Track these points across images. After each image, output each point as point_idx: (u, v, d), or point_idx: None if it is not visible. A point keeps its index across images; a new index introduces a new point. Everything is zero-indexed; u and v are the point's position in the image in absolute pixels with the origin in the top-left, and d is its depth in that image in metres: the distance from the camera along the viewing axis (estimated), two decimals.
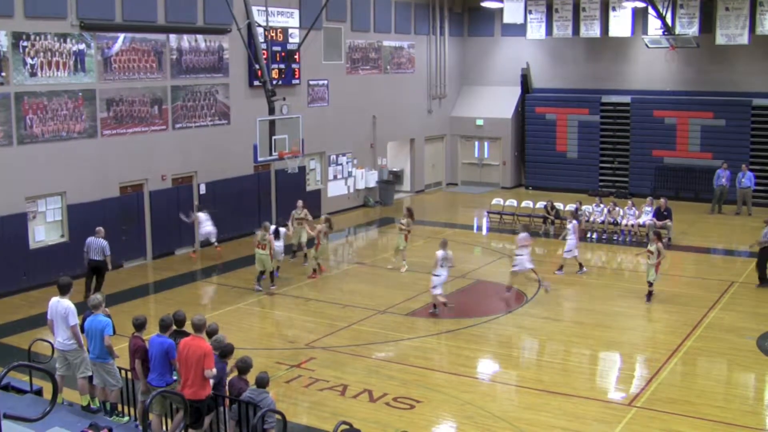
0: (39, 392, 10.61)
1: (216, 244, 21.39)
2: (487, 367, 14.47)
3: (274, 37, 23.45)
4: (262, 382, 9.56)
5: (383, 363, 14.16)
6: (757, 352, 14.63)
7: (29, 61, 17.88)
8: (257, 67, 20.43)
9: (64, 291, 10.37)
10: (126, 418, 10.44)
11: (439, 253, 16.60)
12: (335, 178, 27.53)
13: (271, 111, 19.31)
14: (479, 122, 32.74)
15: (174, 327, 10.25)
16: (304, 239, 20.38)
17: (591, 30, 29.42)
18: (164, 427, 10.18)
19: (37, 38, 18.01)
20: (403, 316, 16.67)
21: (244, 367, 9.86)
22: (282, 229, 19.38)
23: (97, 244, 17.30)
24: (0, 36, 17.36)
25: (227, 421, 9.83)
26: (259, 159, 18.91)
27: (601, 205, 24.32)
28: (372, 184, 28.93)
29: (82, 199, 19.21)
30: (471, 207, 28.91)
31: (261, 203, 24.16)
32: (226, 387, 9.99)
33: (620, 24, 29.09)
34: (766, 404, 13.18)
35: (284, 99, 21.90)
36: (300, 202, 21.11)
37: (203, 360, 9.41)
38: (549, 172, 31.64)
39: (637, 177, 30.19)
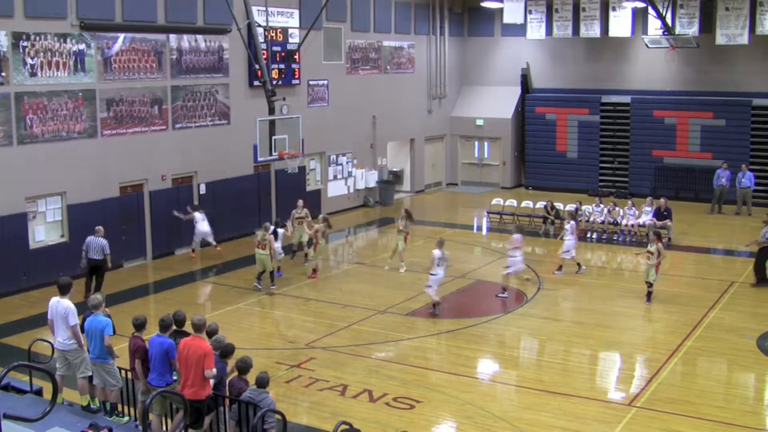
0: (39, 392, 10.61)
1: (215, 244, 21.40)
2: (487, 367, 14.47)
3: (274, 37, 23.45)
4: (262, 382, 9.56)
5: (383, 363, 14.16)
6: (757, 352, 14.63)
7: (29, 61, 17.89)
8: (257, 67, 20.44)
9: (64, 291, 10.37)
10: (126, 418, 10.44)
11: (436, 252, 16.61)
12: (335, 178, 27.53)
13: (271, 111, 19.32)
14: (479, 122, 32.75)
15: (174, 327, 10.26)
16: (305, 239, 20.37)
17: (591, 30, 29.42)
18: (164, 427, 10.18)
19: (37, 38, 18.01)
20: (403, 316, 16.67)
21: (244, 367, 9.86)
22: (280, 230, 19.38)
23: (97, 244, 17.32)
24: (0, 36, 17.36)
25: (227, 421, 9.83)
26: (259, 159, 18.91)
27: (601, 205, 24.32)
28: (372, 184, 28.93)
29: (82, 199, 19.21)
30: (471, 207, 28.91)
31: (261, 203, 24.16)
32: (227, 387, 9.99)
33: (620, 24, 29.09)
34: (766, 404, 13.18)
35: (284, 99, 21.91)
36: (300, 202, 21.12)
37: (203, 360, 9.41)
38: (549, 172, 31.64)
39: (637, 177, 30.19)
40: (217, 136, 22.55)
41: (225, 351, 10.01)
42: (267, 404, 9.31)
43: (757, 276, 18.74)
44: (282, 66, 23.60)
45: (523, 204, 26.22)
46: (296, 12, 24.53)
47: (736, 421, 11.80)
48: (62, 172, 18.76)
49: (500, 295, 17.89)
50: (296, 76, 24.89)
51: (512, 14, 29.13)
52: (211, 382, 9.64)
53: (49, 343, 11.21)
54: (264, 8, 21.02)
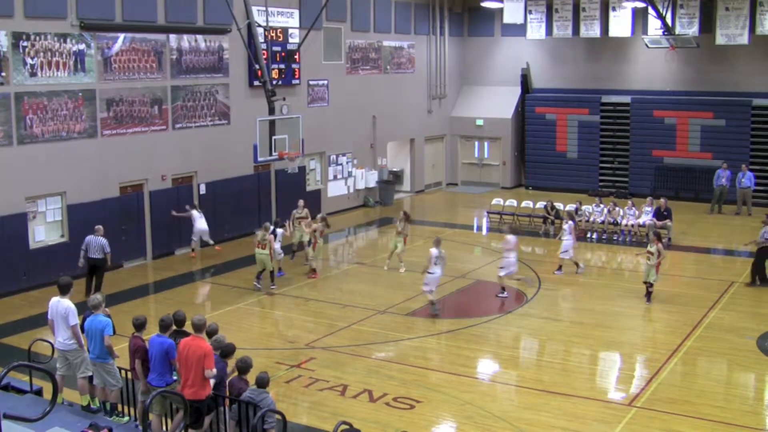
0: (39, 392, 10.61)
1: (212, 242, 21.43)
2: (487, 367, 14.47)
3: (274, 37, 23.44)
4: (262, 382, 9.56)
5: (383, 363, 14.16)
6: (757, 352, 14.63)
7: (29, 61, 17.89)
8: (257, 67, 20.44)
9: (64, 291, 10.37)
10: (126, 418, 10.44)
11: (433, 251, 16.61)
12: (335, 178, 27.54)
13: (271, 111, 19.31)
14: (479, 122, 32.75)
15: (174, 327, 10.26)
16: (305, 239, 20.35)
17: (591, 30, 29.42)
18: (164, 427, 10.18)
19: (37, 38, 18.01)
20: (403, 316, 16.67)
21: (244, 367, 9.86)
22: (279, 230, 19.38)
23: (97, 243, 17.34)
24: (0, 36, 17.36)
25: (227, 421, 9.83)
26: (259, 159, 18.90)
27: (601, 205, 24.32)
28: (372, 184, 28.93)
29: (82, 199, 19.21)
30: (471, 207, 28.91)
31: (261, 203, 24.16)
32: (227, 387, 10.00)
33: (620, 24, 29.09)
34: (766, 404, 13.18)
35: (284, 99, 21.90)
36: (301, 202, 21.11)
37: (203, 360, 9.41)
38: (549, 172, 31.65)
39: (637, 177, 30.19)
40: (217, 136, 22.55)
41: (225, 351, 10.01)
42: (267, 404, 9.31)
43: (753, 276, 18.75)
44: (282, 66, 23.60)
45: (523, 204, 26.22)
46: (296, 12, 24.53)
47: (736, 421, 11.80)
48: (62, 172, 18.76)
49: (500, 295, 17.89)
50: (296, 76, 24.89)
51: (512, 14, 29.13)
52: (212, 382, 9.64)
53: (49, 343, 11.22)
54: (264, 8, 21.02)
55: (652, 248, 17.46)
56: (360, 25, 27.90)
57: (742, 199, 26.77)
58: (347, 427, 9.24)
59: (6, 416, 7.10)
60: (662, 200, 23.49)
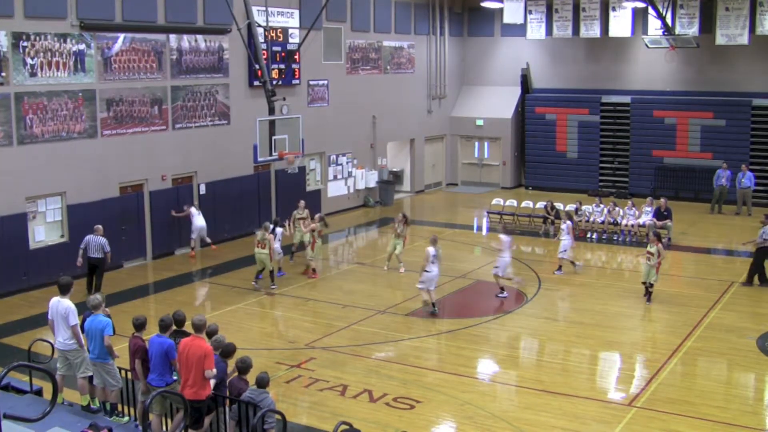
0: (39, 392, 10.61)
1: (210, 241, 21.45)
2: (486, 367, 14.46)
3: (274, 37, 23.45)
4: (262, 383, 9.56)
5: (383, 363, 14.16)
6: (757, 352, 14.63)
7: (29, 61, 17.89)
8: (257, 67, 20.43)
9: (64, 291, 10.38)
10: (126, 419, 10.44)
11: (430, 249, 16.61)
12: (335, 178, 27.54)
13: (271, 111, 19.31)
14: (479, 122, 32.75)
15: (174, 327, 10.26)
16: (306, 239, 20.34)
17: (591, 30, 29.43)
18: (164, 428, 10.18)
19: (37, 38, 18.01)
20: (403, 316, 16.67)
21: (244, 367, 9.86)
22: (279, 229, 19.40)
23: (96, 242, 17.37)
24: (0, 36, 17.36)
25: (227, 421, 9.84)
26: (259, 159, 18.90)
27: (601, 206, 24.32)
28: (372, 184, 28.93)
29: (82, 199, 19.21)
30: (471, 207, 28.92)
31: (261, 203, 24.16)
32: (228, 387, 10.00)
33: (620, 24, 29.10)
34: (766, 404, 13.18)
35: (284, 99, 21.92)
36: (302, 203, 21.07)
37: (203, 360, 9.41)
38: (549, 172, 31.66)
39: (637, 177, 30.19)
40: (217, 136, 22.56)
41: (226, 351, 10.01)
42: (267, 404, 9.31)
43: (750, 276, 18.75)
44: (282, 66, 23.60)
45: (523, 204, 26.22)
46: (296, 12, 24.54)
47: (736, 421, 11.80)
48: (62, 172, 18.76)
49: (500, 295, 17.89)
50: (296, 76, 24.90)
51: (512, 14, 29.14)
52: (212, 382, 9.64)
53: (49, 343, 11.22)
54: (264, 8, 21.02)
55: (652, 249, 17.46)
56: (360, 25, 27.90)
57: (742, 199, 26.77)
58: (347, 427, 9.24)
59: (6, 416, 7.10)
60: (662, 200, 23.49)
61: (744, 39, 26.94)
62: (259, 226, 18.88)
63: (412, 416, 11.95)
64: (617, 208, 23.93)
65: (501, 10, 29.78)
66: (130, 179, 20.57)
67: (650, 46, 28.18)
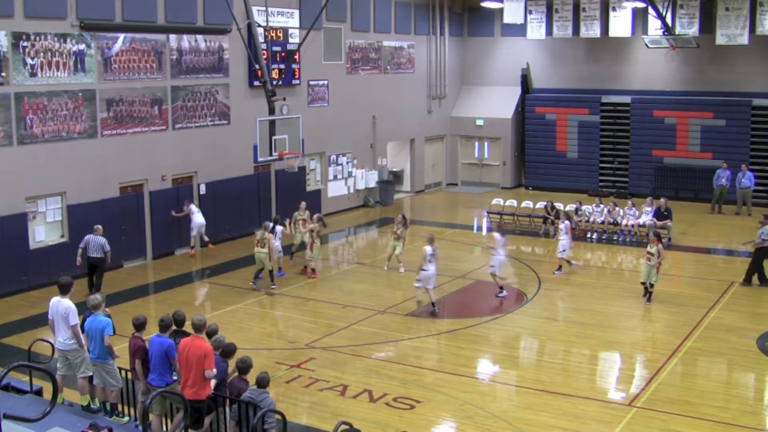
0: (39, 392, 10.61)
1: (207, 239, 21.47)
2: (486, 367, 14.47)
3: (274, 37, 23.45)
4: (263, 383, 9.56)
5: (383, 363, 14.16)
6: (757, 352, 14.63)
7: (29, 61, 17.89)
8: (257, 67, 20.43)
9: (64, 291, 10.38)
10: (126, 419, 10.44)
11: (427, 249, 16.63)
12: (335, 178, 27.54)
13: (271, 111, 19.31)
14: (479, 122, 32.75)
15: (173, 327, 10.26)
16: (307, 239, 20.33)
17: (591, 30, 29.43)
18: (164, 428, 10.18)
19: (37, 38, 18.01)
20: (403, 316, 16.67)
21: (244, 367, 9.86)
22: (279, 228, 19.41)
23: (96, 242, 17.37)
24: (0, 36, 17.36)
25: (227, 421, 9.83)
26: (259, 159, 18.90)
27: (601, 206, 24.32)
28: (372, 184, 28.93)
29: (82, 200, 19.21)
30: (471, 207, 28.91)
31: (261, 203, 24.16)
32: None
33: (620, 24, 29.10)
34: (766, 404, 13.18)
35: (284, 99, 21.91)
36: (303, 204, 21.03)
37: (203, 360, 9.41)
38: (549, 172, 31.65)
39: (637, 177, 30.19)
40: (217, 136, 22.56)
41: (227, 351, 10.01)
42: (267, 404, 9.31)
43: (749, 276, 18.76)
44: (282, 66, 23.60)
45: (523, 204, 26.21)
46: (296, 12, 24.53)
47: (736, 421, 11.80)
48: (62, 172, 18.76)
49: (499, 294, 17.89)
50: (296, 76, 24.90)
51: (512, 14, 29.13)
52: (212, 382, 9.64)
53: (49, 343, 11.23)
54: (264, 8, 21.02)
55: (652, 249, 17.46)
56: (360, 25, 27.90)
57: (742, 199, 26.77)
58: (347, 427, 9.24)
59: (6, 416, 7.10)
60: (662, 200, 23.49)
61: (744, 39, 26.94)
62: (259, 226, 18.88)
63: (412, 416, 11.95)
64: (617, 208, 23.94)
65: (501, 10, 29.78)
66: (130, 179, 20.57)
67: (650, 46, 28.18)
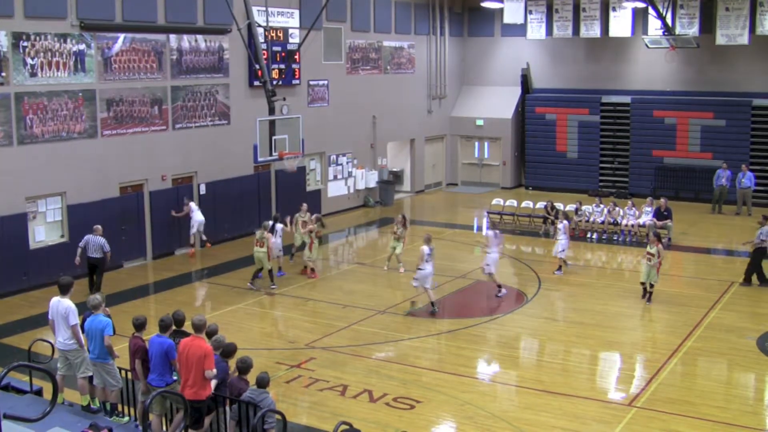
0: (39, 392, 10.61)
1: (205, 238, 21.46)
2: (486, 367, 14.47)
3: (274, 37, 23.44)
4: (263, 383, 9.56)
5: (383, 363, 14.16)
6: (757, 352, 14.63)
7: (29, 61, 17.88)
8: (257, 67, 20.43)
9: (64, 291, 10.37)
10: (126, 419, 10.44)
11: (424, 248, 16.64)
12: (335, 178, 27.53)
13: (271, 111, 19.30)
14: (479, 122, 32.75)
15: (173, 327, 10.26)
16: (306, 239, 20.31)
17: (591, 30, 29.43)
18: (164, 428, 10.18)
19: (37, 38, 18.01)
20: (402, 316, 16.67)
21: (244, 367, 9.86)
22: (279, 225, 19.41)
23: (96, 242, 17.37)
24: (0, 36, 17.36)
25: (227, 421, 9.83)
26: (259, 159, 18.90)
27: (601, 206, 24.32)
28: (372, 184, 28.93)
29: (82, 200, 19.21)
30: (471, 207, 28.91)
31: (261, 203, 24.16)
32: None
33: (620, 24, 29.10)
34: (766, 404, 13.18)
35: (284, 99, 21.91)
36: (304, 205, 20.97)
37: (203, 361, 9.40)
38: (549, 172, 31.65)
39: (637, 177, 30.19)
40: (217, 136, 22.56)
41: (227, 351, 10.01)
42: (267, 404, 9.31)
43: (748, 276, 18.76)
44: (282, 66, 23.60)
45: (523, 204, 26.21)
46: (296, 12, 24.53)
47: (736, 421, 11.80)
48: (62, 172, 18.76)
49: (499, 294, 17.89)
50: (296, 76, 24.90)
51: (512, 14, 29.14)
52: (213, 382, 9.64)
53: (50, 343, 11.23)
54: (264, 8, 21.01)
55: (653, 249, 17.46)
56: (360, 25, 27.90)
57: (742, 200, 26.77)
58: (347, 427, 9.24)
59: (6, 416, 7.10)
60: (662, 200, 23.49)
61: (744, 39, 26.94)
62: (259, 226, 18.88)
63: (412, 416, 11.95)
64: (617, 208, 23.94)
65: (501, 10, 29.78)
66: (130, 179, 20.57)
67: (650, 46, 28.18)
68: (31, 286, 18.12)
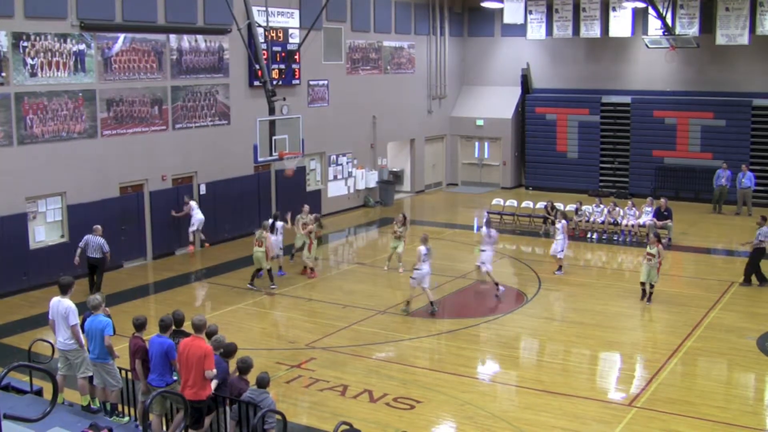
0: (39, 392, 10.61)
1: (204, 237, 21.47)
2: (487, 367, 14.47)
3: (274, 38, 23.45)
4: (263, 383, 9.56)
5: (383, 363, 14.16)
6: (757, 352, 14.63)
7: (29, 61, 17.88)
8: (257, 67, 20.43)
9: (65, 291, 10.37)
10: (126, 419, 10.44)
11: (422, 248, 16.65)
12: (335, 178, 27.53)
13: (271, 111, 19.30)
14: (479, 122, 32.75)
15: (173, 327, 10.26)
16: (307, 240, 20.27)
17: (591, 30, 29.43)
18: (164, 428, 10.18)
19: (37, 38, 18.01)
20: (403, 316, 16.66)
21: (244, 367, 9.86)
22: (279, 223, 19.40)
23: (95, 242, 17.38)
24: (0, 36, 17.36)
25: (228, 421, 9.83)
26: (260, 159, 18.89)
27: (601, 206, 24.32)
28: (372, 184, 28.93)
29: (82, 200, 19.21)
30: (471, 207, 28.91)
31: (261, 203, 24.16)
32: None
33: (620, 24, 29.10)
34: (766, 404, 13.18)
35: (284, 99, 21.90)
36: (306, 207, 20.92)
37: (203, 361, 9.40)
38: (549, 172, 31.65)
39: (637, 177, 30.19)
40: (217, 136, 22.56)
41: (227, 351, 10.01)
42: (267, 404, 9.31)
43: (747, 276, 18.76)
44: (282, 66, 23.60)
45: (523, 204, 26.21)
46: (296, 12, 24.53)
47: (736, 421, 11.80)
48: (62, 172, 18.76)
49: (498, 293, 17.90)
50: (296, 76, 24.90)
51: (512, 14, 29.14)
52: (213, 382, 9.64)
53: (50, 343, 11.23)
54: (264, 8, 21.01)
55: (653, 250, 17.46)
56: (360, 25, 27.90)
57: (742, 200, 26.77)
58: (347, 427, 9.24)
59: (6, 416, 7.10)
60: (662, 200, 23.49)
61: (744, 39, 26.95)
62: (259, 226, 18.88)
63: (412, 416, 11.95)
64: (617, 209, 23.94)
65: (501, 10, 29.78)
66: (130, 179, 20.57)
67: (650, 46, 28.18)
68: (31, 286, 18.12)
